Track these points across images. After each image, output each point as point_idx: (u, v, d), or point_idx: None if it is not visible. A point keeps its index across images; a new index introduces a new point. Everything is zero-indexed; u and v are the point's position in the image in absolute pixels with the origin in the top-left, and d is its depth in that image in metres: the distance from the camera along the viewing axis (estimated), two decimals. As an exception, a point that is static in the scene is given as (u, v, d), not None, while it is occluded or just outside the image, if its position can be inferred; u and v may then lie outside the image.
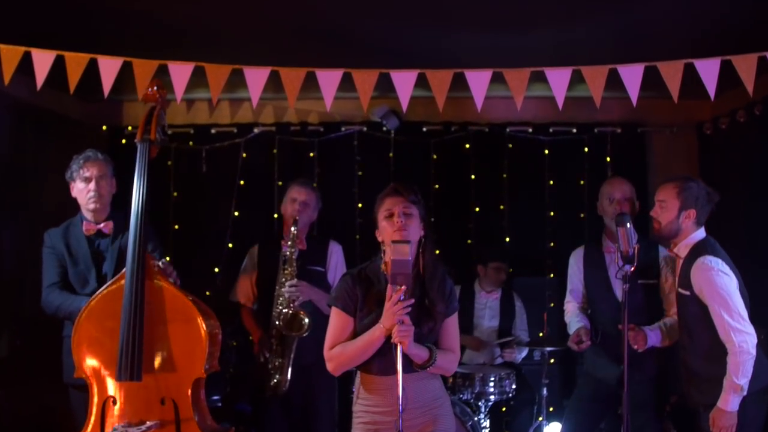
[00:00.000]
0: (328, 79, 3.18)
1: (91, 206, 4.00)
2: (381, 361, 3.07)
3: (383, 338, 3.00)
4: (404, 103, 3.17)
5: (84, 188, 4.02)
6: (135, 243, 3.42)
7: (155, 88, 3.59)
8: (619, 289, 4.19)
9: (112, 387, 3.35)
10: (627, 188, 4.41)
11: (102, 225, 4.03)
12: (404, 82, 3.15)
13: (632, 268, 3.71)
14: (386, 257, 3.10)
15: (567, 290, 4.65)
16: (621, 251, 3.76)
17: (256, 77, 3.20)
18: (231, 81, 5.72)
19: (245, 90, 5.88)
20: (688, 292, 3.74)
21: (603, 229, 4.49)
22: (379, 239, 3.17)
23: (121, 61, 3.24)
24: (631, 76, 3.16)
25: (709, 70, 3.15)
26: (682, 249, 3.86)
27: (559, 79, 3.15)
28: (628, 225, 3.77)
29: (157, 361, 3.37)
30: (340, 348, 3.08)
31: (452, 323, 3.21)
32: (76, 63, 3.23)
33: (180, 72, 3.21)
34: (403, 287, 2.91)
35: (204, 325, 3.39)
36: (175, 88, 3.24)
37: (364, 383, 3.17)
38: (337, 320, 3.12)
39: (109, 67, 3.23)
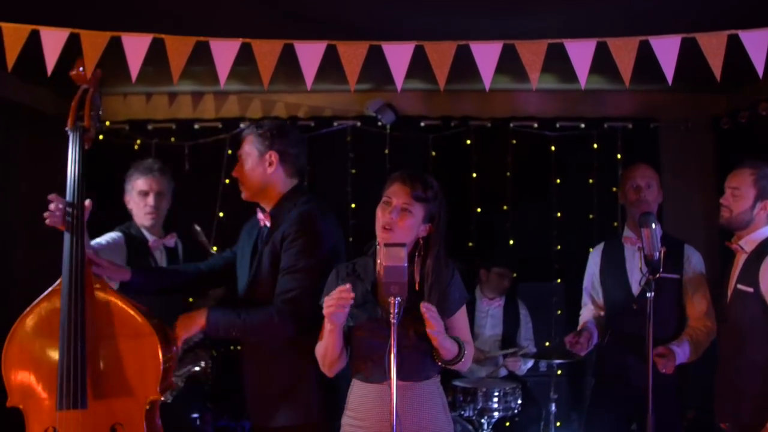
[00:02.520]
0: (309, 54, 2.62)
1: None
2: (374, 364, 2.67)
3: (334, 332, 2.65)
4: (398, 82, 2.62)
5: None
6: (72, 248, 2.85)
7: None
8: (635, 283, 3.82)
9: (51, 417, 2.80)
10: (651, 174, 3.97)
11: None
12: (398, 57, 2.60)
13: (656, 276, 3.21)
14: (378, 256, 2.67)
15: (583, 291, 4.20)
16: (645, 255, 3.27)
17: (224, 51, 2.65)
18: (215, 71, 5.43)
19: (231, 82, 5.58)
20: (751, 289, 3.28)
21: (625, 220, 4.11)
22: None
23: (67, 33, 2.69)
24: (666, 50, 2.60)
25: (757, 43, 2.60)
26: (748, 243, 3.41)
27: (581, 53, 2.60)
28: (653, 226, 3.27)
29: (106, 384, 2.86)
30: (319, 348, 2.78)
31: (460, 317, 2.81)
32: (15, 36, 2.68)
33: (135, 45, 2.65)
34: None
35: (159, 339, 2.90)
36: (130, 64, 2.68)
37: (354, 391, 2.77)
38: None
39: (53, 40, 2.67)
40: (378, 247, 2.71)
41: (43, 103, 5.50)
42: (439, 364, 2.74)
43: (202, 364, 3.99)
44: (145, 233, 3.79)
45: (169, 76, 5.43)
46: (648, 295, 3.23)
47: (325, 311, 2.59)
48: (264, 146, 3.11)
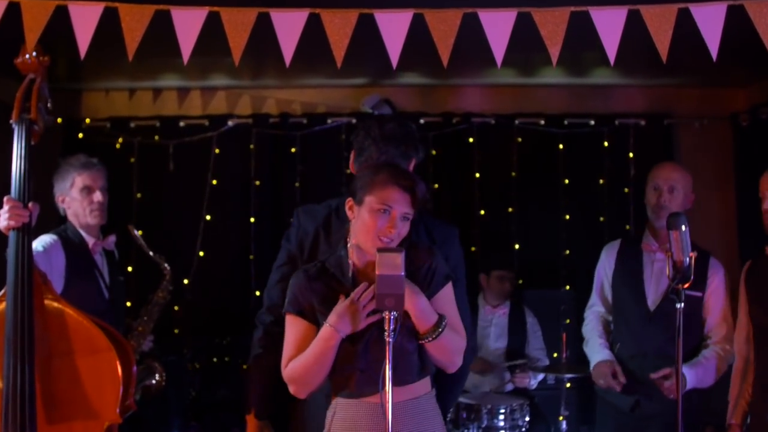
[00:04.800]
0: (288, 24, 2.18)
1: None
2: (362, 375, 2.29)
3: (336, 341, 2.24)
4: (393, 58, 2.18)
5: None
6: (18, 253, 2.56)
7: (34, 54, 2.71)
8: (652, 296, 3.45)
9: (-4, 445, 2.52)
10: (677, 176, 3.52)
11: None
12: (394, 28, 2.16)
13: (686, 285, 2.81)
14: (353, 253, 2.35)
15: (592, 290, 3.80)
16: (674, 261, 2.85)
17: (188, 22, 2.21)
18: (202, 65, 4.86)
19: (218, 77, 5.16)
20: None
21: (638, 223, 3.83)
22: (350, 216, 2.34)
23: (5, 2, 2.26)
24: (710, 19, 2.17)
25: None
26: None
27: (610, 23, 2.16)
28: (683, 228, 2.85)
29: (59, 407, 2.60)
30: (294, 362, 2.32)
31: (444, 298, 2.38)
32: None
33: (84, 16, 2.22)
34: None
35: (117, 356, 2.63)
36: (78, 38, 2.26)
37: (338, 413, 2.33)
38: (295, 329, 2.35)
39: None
40: (348, 247, 2.35)
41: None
42: (420, 342, 2.29)
43: (157, 377, 3.69)
44: (84, 235, 3.43)
45: (153, 69, 5.11)
46: (678, 306, 2.81)
47: (362, 320, 2.23)
48: None
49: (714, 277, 3.44)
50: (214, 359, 5.02)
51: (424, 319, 2.23)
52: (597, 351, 3.60)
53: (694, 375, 3.27)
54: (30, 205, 2.63)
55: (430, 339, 2.24)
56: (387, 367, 2.12)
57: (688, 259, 2.83)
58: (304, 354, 2.28)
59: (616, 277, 3.65)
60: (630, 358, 3.46)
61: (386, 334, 2.12)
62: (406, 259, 2.20)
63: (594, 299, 3.77)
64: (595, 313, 3.74)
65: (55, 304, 2.64)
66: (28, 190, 2.64)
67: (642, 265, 3.54)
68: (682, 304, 2.82)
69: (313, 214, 2.71)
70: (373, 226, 2.25)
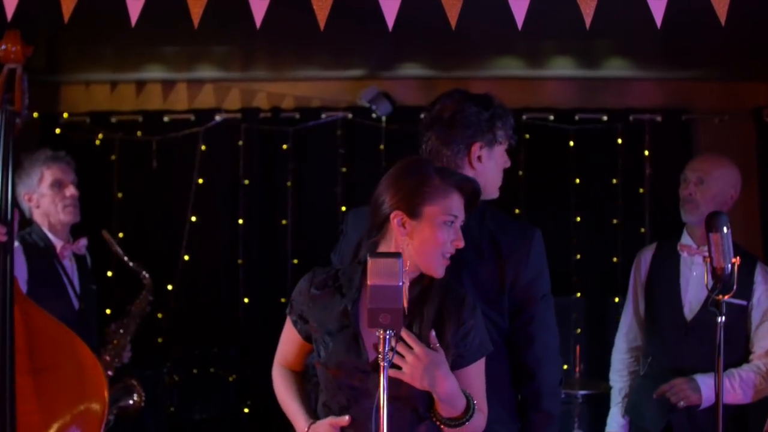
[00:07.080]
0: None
1: None
2: (351, 417, 2.00)
3: None
4: (390, 19, 1.81)
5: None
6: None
7: (18, 46, 2.59)
8: (690, 304, 3.12)
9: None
10: (707, 167, 3.19)
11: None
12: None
13: (728, 295, 2.48)
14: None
15: (624, 305, 3.48)
16: (714, 267, 2.52)
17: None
18: (189, 54, 4.52)
19: (205, 68, 4.74)
20: None
21: (654, 225, 3.62)
22: (400, 233, 1.99)
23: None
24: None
25: None
26: None
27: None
28: (725, 230, 2.50)
29: (39, 428, 2.44)
30: (278, 383, 2.22)
31: (476, 372, 2.05)
32: None
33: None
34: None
35: (103, 372, 2.58)
36: (7, 8, 1.92)
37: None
38: (285, 333, 2.21)
39: None
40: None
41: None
42: (438, 424, 1.96)
43: (135, 397, 3.44)
44: (52, 238, 3.16)
45: (136, 61, 4.78)
46: (719, 320, 2.48)
47: None
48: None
49: (761, 284, 3.08)
50: (195, 371, 4.70)
51: (450, 405, 1.93)
52: (612, 416, 3.43)
53: (706, 387, 2.92)
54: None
55: (456, 426, 1.94)
56: (381, 395, 1.75)
57: (730, 265, 2.48)
58: (285, 397, 2.17)
59: (649, 282, 3.30)
60: (662, 373, 3.10)
61: (380, 356, 1.75)
62: (444, 313, 1.96)
63: (625, 315, 3.43)
64: (623, 348, 3.41)
65: (38, 317, 2.51)
66: (12, 191, 2.41)
67: (679, 270, 3.19)
68: (723, 318, 2.48)
69: (362, 219, 2.19)
70: (441, 241, 1.96)
